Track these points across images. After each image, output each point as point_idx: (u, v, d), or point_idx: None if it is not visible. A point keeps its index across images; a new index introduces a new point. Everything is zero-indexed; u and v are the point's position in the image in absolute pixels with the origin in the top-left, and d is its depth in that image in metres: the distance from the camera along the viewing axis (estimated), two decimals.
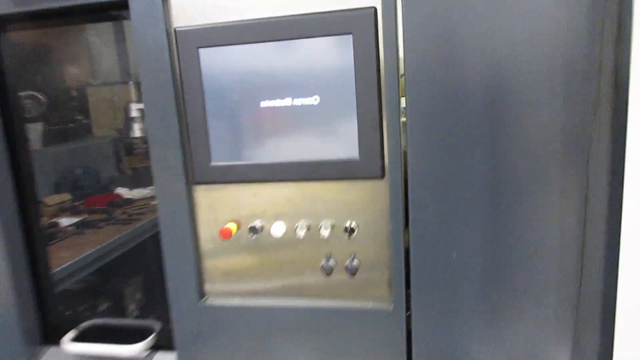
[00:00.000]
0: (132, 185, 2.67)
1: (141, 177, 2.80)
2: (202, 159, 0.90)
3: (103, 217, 2.29)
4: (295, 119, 0.85)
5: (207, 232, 0.94)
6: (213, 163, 0.90)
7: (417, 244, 0.82)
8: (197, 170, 0.91)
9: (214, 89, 0.88)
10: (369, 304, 0.88)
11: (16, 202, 1.08)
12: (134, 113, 1.19)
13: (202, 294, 0.96)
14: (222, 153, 0.90)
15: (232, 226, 0.91)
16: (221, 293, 0.96)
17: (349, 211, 0.87)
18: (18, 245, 1.10)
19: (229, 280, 0.95)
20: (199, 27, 0.86)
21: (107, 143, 3.10)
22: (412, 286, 0.84)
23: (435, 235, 0.81)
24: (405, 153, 0.82)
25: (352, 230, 0.86)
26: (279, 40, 0.83)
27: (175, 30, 0.87)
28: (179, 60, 0.88)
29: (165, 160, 0.91)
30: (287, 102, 0.85)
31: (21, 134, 1.12)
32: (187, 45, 0.87)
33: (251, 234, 0.90)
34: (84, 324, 1.14)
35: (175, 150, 0.90)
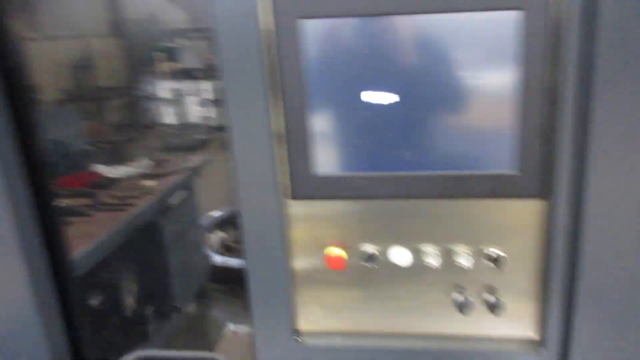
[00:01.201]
0: (112, 161, 2.34)
1: (120, 152, 2.46)
2: (303, 168, 0.69)
3: (88, 203, 1.99)
4: (427, 119, 0.65)
5: (304, 257, 0.74)
6: (318, 173, 0.69)
7: (589, 282, 0.67)
8: (296, 183, 0.69)
9: (321, 76, 0.65)
10: (514, 348, 0.73)
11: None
12: (166, 93, 0.93)
13: (295, 332, 0.77)
14: (330, 160, 0.69)
15: (341, 253, 0.71)
16: (319, 332, 0.77)
17: (490, 236, 0.70)
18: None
19: (330, 316, 0.76)
20: None
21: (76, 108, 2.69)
22: (575, 331, 0.69)
23: (616, 272, 0.66)
24: None
25: (498, 260, 0.69)
26: (415, 13, 0.62)
27: None
28: (276, 34, 0.64)
29: (252, 168, 0.69)
30: (418, 96, 0.65)
31: None
32: (284, 14, 0.63)
33: (367, 262, 0.71)
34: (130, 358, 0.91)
35: (267, 156, 0.68)
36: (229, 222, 2.96)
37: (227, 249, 2.65)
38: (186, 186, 2.25)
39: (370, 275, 0.73)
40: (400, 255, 0.71)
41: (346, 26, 0.63)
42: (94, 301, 1.84)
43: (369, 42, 0.63)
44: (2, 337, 0.83)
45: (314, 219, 0.72)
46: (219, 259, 2.45)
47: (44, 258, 0.85)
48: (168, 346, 2.02)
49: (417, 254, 0.71)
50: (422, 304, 0.73)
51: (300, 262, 0.74)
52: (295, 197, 0.70)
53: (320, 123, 0.67)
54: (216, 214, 2.85)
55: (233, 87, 0.66)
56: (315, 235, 0.73)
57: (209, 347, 2.11)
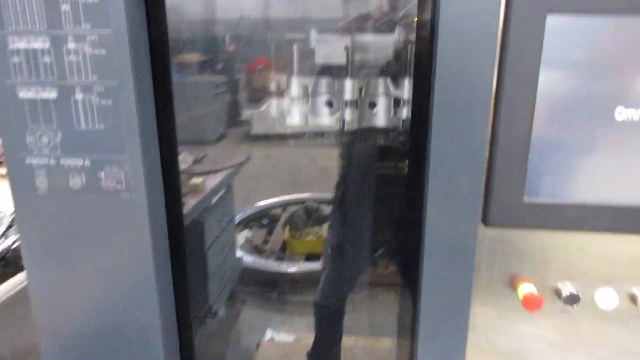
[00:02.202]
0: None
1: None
2: (511, 192, 0.58)
3: None
4: None
5: (484, 287, 0.64)
6: (528, 199, 0.58)
7: None
8: (499, 207, 0.59)
9: (557, 85, 0.55)
10: None
11: None
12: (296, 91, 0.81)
13: None
14: (544, 185, 0.58)
15: (534, 290, 0.61)
16: None
17: None
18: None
19: (502, 354, 0.66)
20: None
21: None
22: None
23: None
24: None
25: None
26: None
27: None
28: (504, 31, 0.54)
29: (451, 187, 0.58)
30: None
31: None
32: (528, 7, 0.53)
33: (568, 303, 0.61)
34: None
35: (475, 175, 0.58)
36: (254, 221, 2.81)
37: (255, 250, 2.50)
38: (227, 184, 2.12)
39: (563, 315, 0.63)
40: (606, 298, 0.61)
41: (601, 26, 0.53)
42: None
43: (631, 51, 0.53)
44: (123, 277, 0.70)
45: (510, 248, 0.62)
46: (249, 260, 2.30)
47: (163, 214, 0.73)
48: (205, 353, 1.88)
49: (624, 296, 0.61)
50: (623, 354, 0.64)
51: (481, 291, 0.64)
52: (491, 222, 0.59)
53: (541, 141, 0.56)
54: (242, 212, 2.69)
55: (446, 88, 0.55)
56: (502, 264, 0.63)
57: (246, 355, 1.97)
